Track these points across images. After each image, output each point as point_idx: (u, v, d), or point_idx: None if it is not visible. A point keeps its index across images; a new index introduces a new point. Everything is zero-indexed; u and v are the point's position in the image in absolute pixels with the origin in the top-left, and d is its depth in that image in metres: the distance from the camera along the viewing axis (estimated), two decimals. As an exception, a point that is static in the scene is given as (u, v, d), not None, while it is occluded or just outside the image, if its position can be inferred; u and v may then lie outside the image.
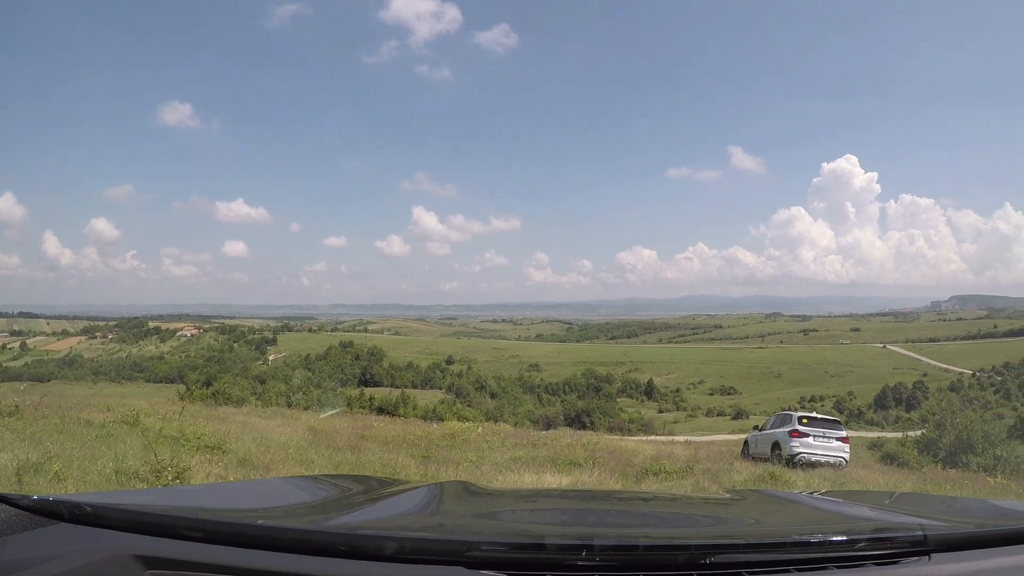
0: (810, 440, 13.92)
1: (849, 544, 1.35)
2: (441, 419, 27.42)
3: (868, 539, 1.37)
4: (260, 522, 1.36)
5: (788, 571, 1.27)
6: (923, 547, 1.37)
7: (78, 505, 1.27)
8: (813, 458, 13.55)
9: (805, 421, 14.50)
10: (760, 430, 17.03)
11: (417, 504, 1.90)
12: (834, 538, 1.38)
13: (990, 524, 1.68)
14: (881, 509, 2.07)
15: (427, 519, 1.76)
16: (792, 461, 13.45)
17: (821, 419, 14.91)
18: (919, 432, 37.22)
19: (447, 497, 2.06)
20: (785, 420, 15.36)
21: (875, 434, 46.59)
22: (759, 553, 1.31)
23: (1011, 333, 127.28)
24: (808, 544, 1.35)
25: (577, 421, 48.04)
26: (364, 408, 42.89)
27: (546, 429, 43.45)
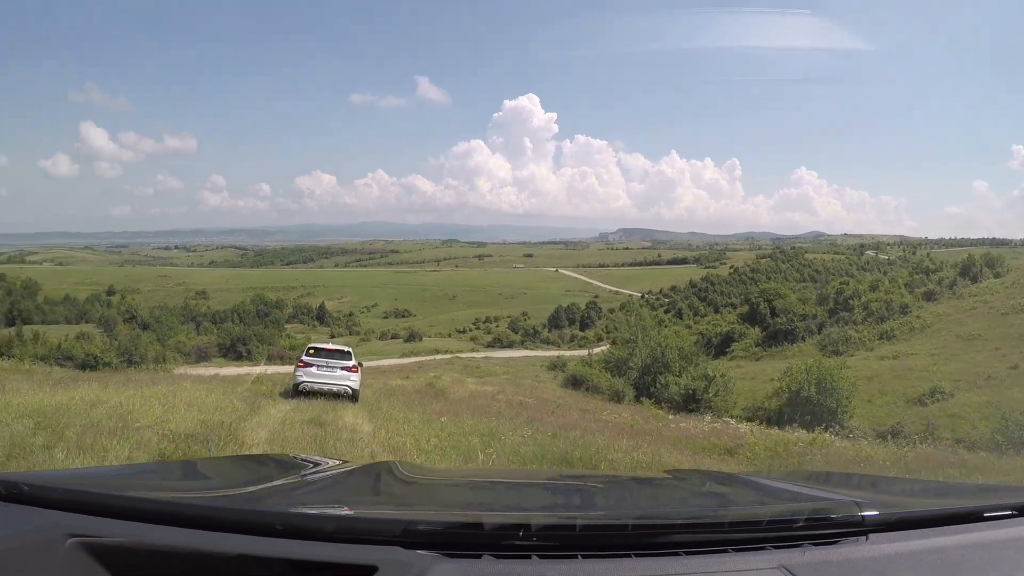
0: (313, 370, 14.22)
1: (787, 524, 1.35)
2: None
3: (805, 519, 1.37)
4: (198, 501, 1.36)
5: (725, 551, 1.28)
6: (861, 527, 1.38)
7: (15, 484, 1.23)
8: (315, 387, 13.88)
9: (312, 351, 14.89)
10: None
11: (354, 484, 1.95)
12: (771, 518, 1.39)
13: (928, 504, 1.73)
14: (820, 488, 2.10)
15: (364, 499, 1.79)
16: (297, 390, 14.02)
17: (329, 349, 15.43)
18: (602, 349, 36.74)
19: (384, 477, 2.06)
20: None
21: (554, 352, 46.57)
22: (697, 533, 1.32)
23: (674, 261, 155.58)
24: (745, 524, 1.36)
25: (233, 350, 45.20)
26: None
27: (199, 360, 38.75)
